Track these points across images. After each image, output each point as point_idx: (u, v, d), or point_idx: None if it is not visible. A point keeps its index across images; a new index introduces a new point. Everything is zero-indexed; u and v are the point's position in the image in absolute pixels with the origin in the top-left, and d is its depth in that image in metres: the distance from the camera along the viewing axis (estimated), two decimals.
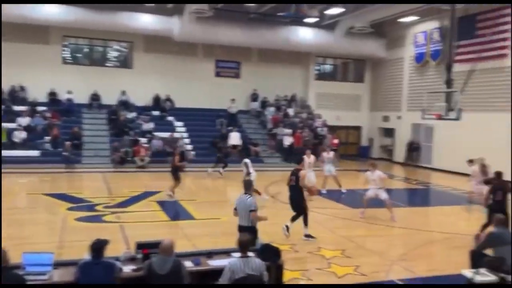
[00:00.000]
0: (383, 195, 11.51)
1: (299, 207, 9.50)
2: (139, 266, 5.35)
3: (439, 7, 20.05)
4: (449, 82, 15.02)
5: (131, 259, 5.63)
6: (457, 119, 14.21)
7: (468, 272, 6.64)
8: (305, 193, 9.75)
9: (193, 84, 25.39)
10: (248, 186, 7.46)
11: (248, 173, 13.49)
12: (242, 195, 7.31)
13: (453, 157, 20.43)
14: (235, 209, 7.35)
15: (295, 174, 9.58)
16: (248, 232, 6.50)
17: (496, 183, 9.72)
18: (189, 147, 22.46)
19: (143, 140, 21.49)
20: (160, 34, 23.51)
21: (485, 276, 6.48)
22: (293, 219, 9.50)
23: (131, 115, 23.29)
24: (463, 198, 14.58)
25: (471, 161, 13.58)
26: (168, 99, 24.82)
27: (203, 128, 24.30)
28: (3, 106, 20.57)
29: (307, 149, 15.36)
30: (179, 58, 25.16)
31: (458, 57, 17.59)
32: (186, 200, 13.47)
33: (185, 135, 23.34)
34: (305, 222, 9.46)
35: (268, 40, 24.78)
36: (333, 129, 26.31)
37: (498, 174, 9.90)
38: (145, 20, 22.83)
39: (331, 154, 15.76)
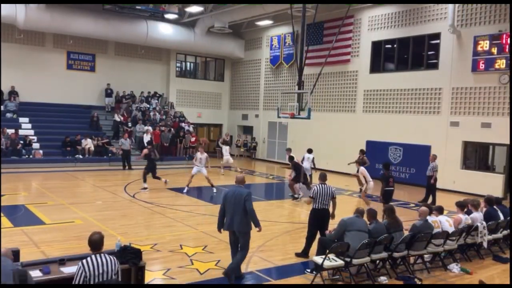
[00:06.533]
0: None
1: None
2: None
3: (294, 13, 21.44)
4: (300, 84, 16.07)
5: None
6: (308, 118, 15.21)
7: (318, 258, 7.26)
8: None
9: (41, 77, 23.23)
10: (324, 177, 8.76)
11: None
12: (322, 184, 8.49)
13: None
14: (312, 197, 8.44)
15: None
16: (325, 213, 8.44)
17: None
18: (36, 145, 20.50)
19: None
20: (3, 21, 20.97)
21: (332, 261, 7.17)
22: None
23: None
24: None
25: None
26: (12, 93, 22.28)
27: (54, 125, 22.38)
28: None
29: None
30: (24, 48, 22.79)
31: (308, 61, 18.96)
32: (35, 204, 12.28)
33: (32, 132, 21.25)
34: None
35: (126, 34, 23.82)
36: (194, 126, 26.43)
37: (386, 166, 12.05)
38: None
39: (204, 154, 15.53)
